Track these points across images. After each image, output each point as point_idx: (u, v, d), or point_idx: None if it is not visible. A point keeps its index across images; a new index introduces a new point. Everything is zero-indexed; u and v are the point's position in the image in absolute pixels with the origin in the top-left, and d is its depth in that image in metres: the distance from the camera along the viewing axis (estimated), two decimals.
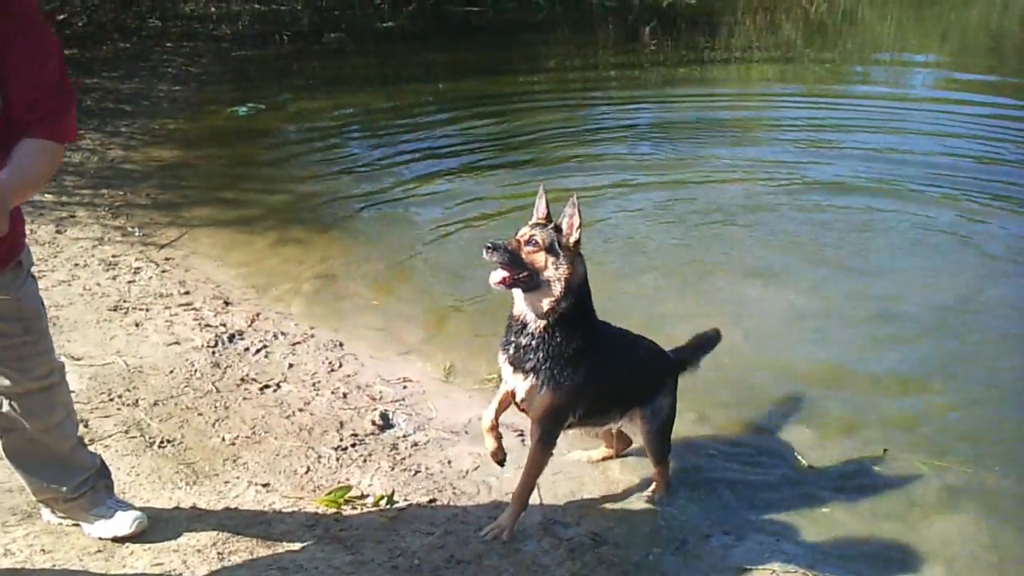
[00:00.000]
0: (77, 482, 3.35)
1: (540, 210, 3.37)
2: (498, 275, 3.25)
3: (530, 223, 3.35)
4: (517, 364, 3.39)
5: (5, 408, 3.13)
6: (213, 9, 16.63)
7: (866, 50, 15.91)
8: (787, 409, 4.59)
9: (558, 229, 3.29)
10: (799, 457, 4.18)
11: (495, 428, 3.54)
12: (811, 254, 6.52)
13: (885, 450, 4.22)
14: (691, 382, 4.42)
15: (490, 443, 3.56)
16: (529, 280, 3.26)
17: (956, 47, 16.36)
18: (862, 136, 9.63)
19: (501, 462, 3.60)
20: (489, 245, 3.23)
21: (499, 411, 3.54)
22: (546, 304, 3.28)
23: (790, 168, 8.45)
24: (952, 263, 6.44)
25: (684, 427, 4.27)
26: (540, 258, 3.25)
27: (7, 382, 3.08)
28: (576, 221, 3.27)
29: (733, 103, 11.71)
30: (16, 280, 2.99)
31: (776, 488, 3.96)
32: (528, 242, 3.27)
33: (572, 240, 3.28)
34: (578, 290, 3.31)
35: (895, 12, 18.35)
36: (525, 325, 3.34)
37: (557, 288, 3.26)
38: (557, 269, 3.25)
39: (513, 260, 3.23)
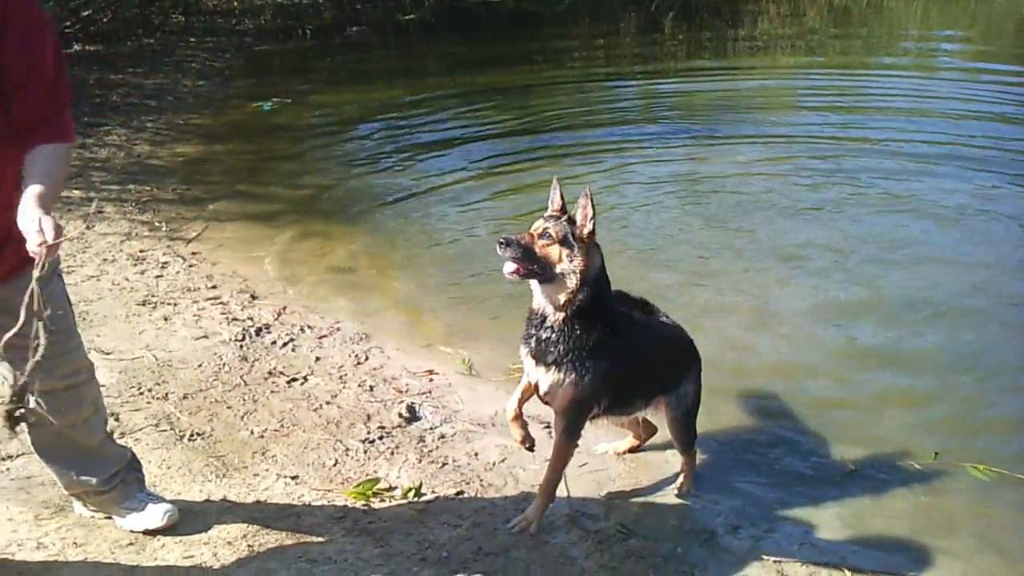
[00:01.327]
0: (107, 475, 3.37)
1: (555, 202, 3.36)
2: (510, 266, 3.25)
3: (544, 215, 3.34)
4: (539, 357, 3.38)
5: (31, 405, 3.14)
6: (236, 4, 16.68)
7: (893, 34, 15.78)
8: (830, 407, 4.49)
9: (572, 221, 3.27)
10: (842, 458, 4.08)
11: (519, 417, 3.54)
12: (842, 239, 6.43)
13: (936, 454, 4.08)
14: (728, 375, 4.42)
15: (516, 432, 3.56)
16: (543, 272, 3.25)
17: (983, 31, 16.18)
18: (889, 116, 9.64)
19: (531, 448, 3.60)
20: (502, 240, 3.23)
21: (522, 400, 3.54)
22: (563, 297, 3.27)
23: (819, 151, 8.45)
24: (992, 245, 6.34)
25: (717, 420, 4.27)
26: (554, 251, 3.24)
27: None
28: (590, 212, 3.25)
29: (758, 88, 11.67)
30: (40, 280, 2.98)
31: (812, 484, 3.91)
32: (542, 235, 3.25)
33: (586, 231, 3.26)
34: (595, 281, 3.30)
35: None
36: (544, 318, 3.34)
37: (572, 280, 3.24)
38: (572, 261, 3.23)
39: (527, 254, 3.22)
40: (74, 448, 3.30)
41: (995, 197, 7.17)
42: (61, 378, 3.12)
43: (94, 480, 3.35)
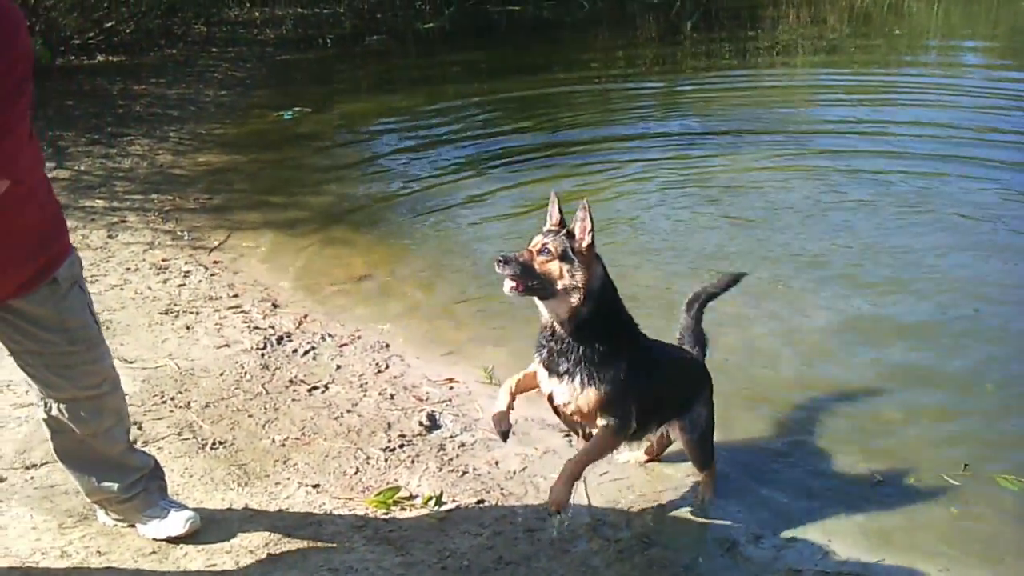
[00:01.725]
0: (129, 482, 3.39)
1: (553, 216, 3.33)
2: (510, 283, 3.21)
3: (543, 230, 3.31)
4: (552, 368, 3.36)
5: (54, 411, 3.18)
6: (257, 14, 16.82)
7: (915, 37, 15.71)
8: (855, 416, 4.44)
9: (571, 235, 3.24)
10: (867, 468, 4.03)
11: (512, 394, 3.47)
12: (866, 243, 6.37)
13: (966, 465, 4.00)
14: (751, 383, 4.37)
15: (501, 402, 3.45)
16: (545, 289, 3.21)
17: (1007, 33, 16.07)
18: (913, 119, 9.54)
19: (504, 434, 3.45)
20: (500, 258, 3.19)
21: (521, 384, 3.49)
22: (567, 311, 3.24)
23: (842, 154, 8.41)
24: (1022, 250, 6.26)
25: (740, 429, 4.26)
26: (554, 267, 3.20)
27: (53, 388, 3.13)
28: (588, 225, 3.22)
29: (779, 92, 11.65)
30: (54, 295, 3.00)
31: (836, 495, 3.86)
32: (540, 251, 3.22)
33: (585, 244, 3.23)
34: (599, 293, 3.27)
35: (943, 5, 17.99)
36: (554, 331, 3.31)
37: (576, 296, 3.21)
38: (573, 276, 3.20)
39: (526, 272, 3.19)
40: (95, 456, 3.33)
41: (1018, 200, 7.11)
42: (83, 388, 3.16)
43: (115, 487, 3.37)
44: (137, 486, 3.41)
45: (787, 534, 3.58)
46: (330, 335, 5.27)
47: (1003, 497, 3.85)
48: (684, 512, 3.75)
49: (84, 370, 3.14)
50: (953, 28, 16.53)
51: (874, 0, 18.05)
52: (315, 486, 3.86)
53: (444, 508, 3.71)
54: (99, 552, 3.41)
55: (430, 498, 3.75)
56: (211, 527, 3.53)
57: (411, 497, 3.78)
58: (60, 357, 3.07)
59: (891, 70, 12.98)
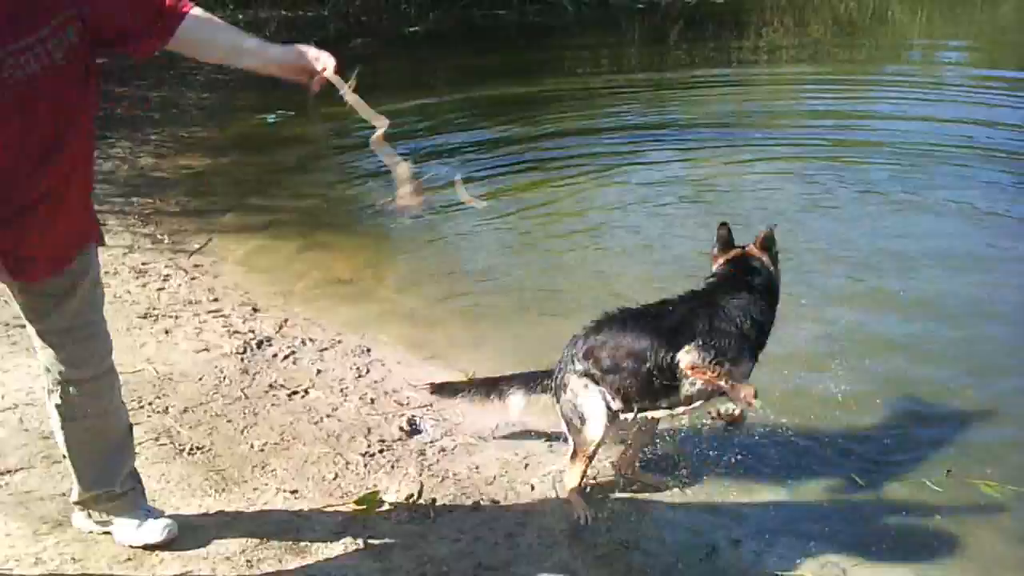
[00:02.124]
0: (125, 474, 3.38)
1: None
2: None
3: None
4: None
5: (72, 391, 3.18)
6: (241, 16, 16.73)
7: (898, 41, 15.85)
8: (838, 420, 4.42)
9: None
10: (849, 472, 4.02)
11: None
12: (850, 243, 6.40)
13: (948, 471, 4.01)
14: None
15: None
16: None
17: (988, 39, 16.22)
18: (896, 120, 9.64)
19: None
20: None
21: None
22: None
23: (826, 155, 8.47)
24: (1009, 248, 6.31)
25: (721, 431, 4.28)
26: None
27: (76, 365, 3.14)
28: None
29: (764, 95, 11.74)
30: (92, 262, 3.14)
31: (816, 498, 3.87)
32: None
33: None
34: None
35: (926, 11, 18.13)
36: None
37: None
38: None
39: None
40: (103, 441, 3.31)
41: (1005, 199, 7.15)
42: (100, 362, 3.20)
43: (115, 485, 3.34)
44: (130, 480, 3.40)
45: (767, 539, 3.58)
46: (311, 339, 5.23)
47: (985, 503, 3.86)
48: (664, 516, 3.74)
49: (101, 341, 3.20)
50: (936, 31, 16.66)
51: (858, 6, 18.14)
52: (294, 492, 3.83)
53: (423, 513, 3.67)
54: (74, 559, 3.37)
55: (410, 495, 3.74)
56: (188, 533, 3.49)
57: (395, 505, 3.74)
58: (87, 327, 3.12)
59: (877, 68, 13.13)
